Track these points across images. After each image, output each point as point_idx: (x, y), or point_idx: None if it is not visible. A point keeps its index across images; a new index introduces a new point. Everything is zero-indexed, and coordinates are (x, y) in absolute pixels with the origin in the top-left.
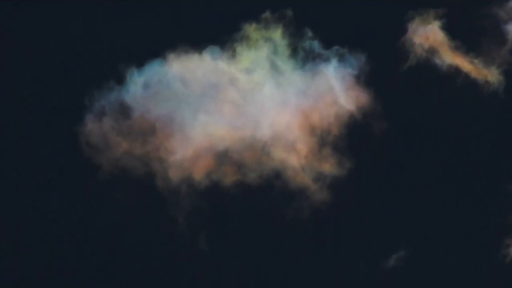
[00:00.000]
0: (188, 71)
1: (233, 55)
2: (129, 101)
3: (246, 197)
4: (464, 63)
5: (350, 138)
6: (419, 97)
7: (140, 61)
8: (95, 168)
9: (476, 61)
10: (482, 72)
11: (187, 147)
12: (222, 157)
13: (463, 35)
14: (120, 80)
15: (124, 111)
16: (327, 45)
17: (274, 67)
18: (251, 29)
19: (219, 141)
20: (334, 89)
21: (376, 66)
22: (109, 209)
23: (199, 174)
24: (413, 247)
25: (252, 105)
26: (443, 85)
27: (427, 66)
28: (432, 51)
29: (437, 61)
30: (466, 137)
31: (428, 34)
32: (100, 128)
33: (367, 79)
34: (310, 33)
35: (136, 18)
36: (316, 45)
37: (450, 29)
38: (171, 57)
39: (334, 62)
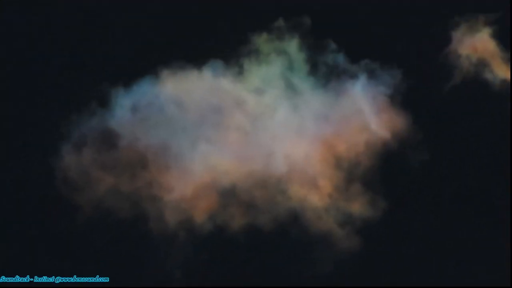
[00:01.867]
0: (185, 92)
1: (240, 72)
2: (115, 128)
3: (256, 245)
4: None
5: (384, 172)
6: (466, 121)
7: (128, 80)
8: (73, 210)
9: None
10: None
11: (185, 184)
12: (228, 195)
13: None
14: (104, 103)
15: (108, 140)
16: (354, 59)
17: (289, 87)
18: (261, 41)
19: (223, 176)
20: (363, 112)
21: (414, 84)
22: (90, 260)
23: (200, 216)
24: None
25: (263, 133)
26: (496, 105)
27: (476, 83)
28: (482, 64)
29: (488, 76)
30: None
31: (476, 44)
32: (79, 161)
33: (404, 100)
34: (333, 45)
35: (122, 27)
36: (340, 59)
37: (503, 38)
38: (165, 74)
39: (362, 80)
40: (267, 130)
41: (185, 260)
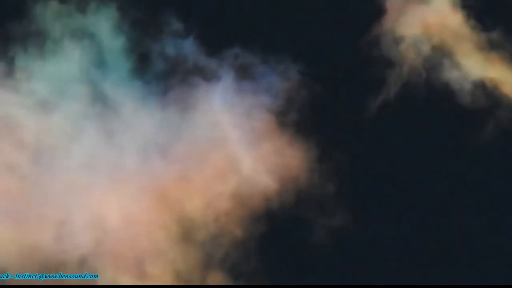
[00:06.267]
0: None
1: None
2: None
3: None
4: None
5: (267, 252)
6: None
7: None
8: None
9: None
10: None
11: None
12: None
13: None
14: None
15: None
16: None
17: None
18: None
19: None
20: (227, 141)
21: (316, 88)
22: None
23: None
24: None
25: (53, 181)
26: (467, 121)
27: (427, 87)
28: (440, 54)
29: (452, 75)
30: None
31: (429, 18)
32: None
33: (299, 117)
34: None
35: None
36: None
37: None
38: None
39: (226, 81)
40: (58, 175)
41: None
